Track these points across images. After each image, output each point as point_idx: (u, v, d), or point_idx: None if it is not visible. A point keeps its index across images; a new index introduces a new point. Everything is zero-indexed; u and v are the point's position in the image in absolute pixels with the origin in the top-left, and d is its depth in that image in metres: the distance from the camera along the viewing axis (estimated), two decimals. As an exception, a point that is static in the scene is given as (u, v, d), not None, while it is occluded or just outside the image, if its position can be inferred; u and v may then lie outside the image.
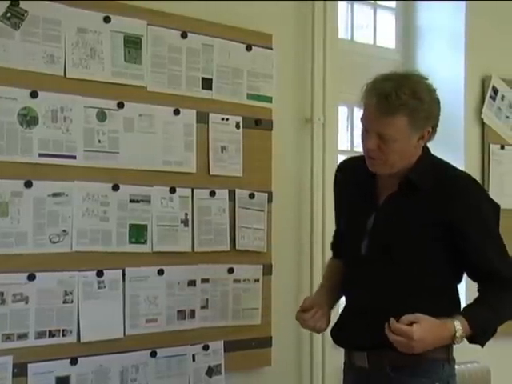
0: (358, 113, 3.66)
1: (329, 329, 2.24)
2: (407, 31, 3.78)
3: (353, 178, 2.22)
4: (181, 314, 2.59)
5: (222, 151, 2.72)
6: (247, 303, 2.75)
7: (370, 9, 3.72)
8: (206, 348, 2.64)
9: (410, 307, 1.95)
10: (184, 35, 2.63)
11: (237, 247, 2.74)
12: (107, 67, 2.45)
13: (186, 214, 2.62)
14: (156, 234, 2.54)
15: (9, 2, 2.24)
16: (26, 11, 2.28)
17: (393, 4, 3.79)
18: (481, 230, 2.06)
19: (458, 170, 2.17)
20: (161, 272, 2.54)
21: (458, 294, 2.16)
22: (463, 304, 2.17)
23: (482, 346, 2.08)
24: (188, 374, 2.61)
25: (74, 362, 2.33)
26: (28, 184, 2.27)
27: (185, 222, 2.61)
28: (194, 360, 2.62)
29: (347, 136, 3.57)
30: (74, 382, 2.34)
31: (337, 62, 3.15)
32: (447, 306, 2.07)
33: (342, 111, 3.46)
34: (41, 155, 2.30)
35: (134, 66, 2.51)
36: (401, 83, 2.00)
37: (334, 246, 2.42)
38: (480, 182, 3.60)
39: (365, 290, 2.12)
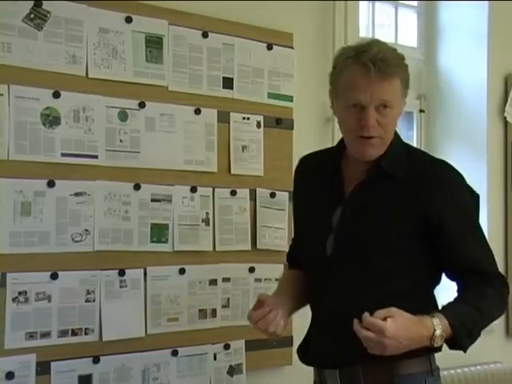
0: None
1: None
2: (429, 30, 3.75)
3: (313, 174, 2.01)
4: (202, 313, 2.60)
5: (242, 150, 2.72)
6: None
7: (391, 7, 3.70)
8: (227, 347, 2.64)
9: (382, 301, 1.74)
10: (205, 35, 2.63)
11: (258, 246, 2.73)
12: (129, 67, 2.46)
13: (207, 213, 2.62)
14: (177, 233, 2.54)
15: (32, 3, 2.26)
16: (48, 12, 2.29)
17: (415, 3, 3.77)
18: (462, 221, 1.86)
19: (436, 157, 1.98)
20: (182, 271, 2.55)
21: (435, 298, 1.93)
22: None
23: (465, 351, 1.80)
24: (209, 373, 2.61)
25: (96, 360, 2.35)
26: (50, 183, 2.29)
27: (206, 222, 2.61)
28: (215, 359, 2.62)
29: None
30: (97, 381, 2.36)
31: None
32: (426, 311, 1.78)
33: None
34: (63, 155, 2.32)
35: (155, 66, 2.52)
36: (385, 47, 1.85)
37: (290, 255, 2.19)
38: (503, 180, 3.60)
39: (332, 297, 1.88)
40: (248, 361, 2.69)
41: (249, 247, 2.72)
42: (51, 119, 2.30)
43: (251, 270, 2.71)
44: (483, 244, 1.90)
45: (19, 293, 2.22)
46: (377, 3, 3.59)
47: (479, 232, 1.91)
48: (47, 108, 2.29)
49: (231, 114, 2.68)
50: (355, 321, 1.69)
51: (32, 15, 2.27)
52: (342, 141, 1.98)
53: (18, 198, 2.23)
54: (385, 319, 1.68)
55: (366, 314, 1.68)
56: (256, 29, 2.76)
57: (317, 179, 1.99)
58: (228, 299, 2.66)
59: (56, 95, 2.30)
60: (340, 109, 1.88)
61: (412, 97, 3.71)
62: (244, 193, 2.71)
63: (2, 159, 2.20)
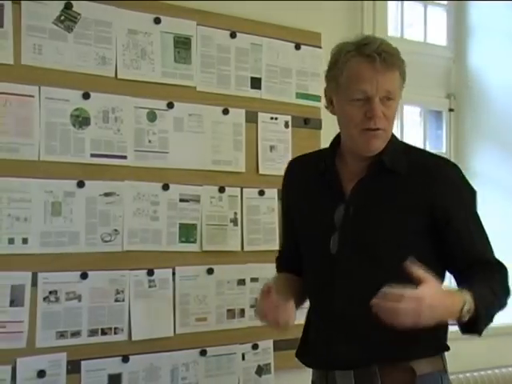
0: (409, 110, 3.65)
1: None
2: (459, 28, 3.72)
3: (307, 175, 1.98)
4: (230, 313, 2.60)
5: (270, 150, 2.72)
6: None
7: (420, 6, 3.68)
8: (255, 347, 2.64)
9: None
10: (233, 35, 2.64)
11: (286, 246, 2.73)
12: (157, 68, 2.47)
13: (235, 213, 2.62)
14: (205, 233, 2.55)
15: (63, 5, 2.28)
16: (78, 14, 2.32)
17: (444, 2, 3.75)
18: (466, 216, 1.87)
19: (435, 154, 1.99)
20: (210, 271, 2.55)
21: None
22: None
23: (480, 334, 1.77)
24: (237, 373, 2.61)
25: (125, 359, 2.36)
26: (80, 184, 2.30)
27: (234, 222, 2.61)
28: (243, 359, 2.62)
29: (397, 134, 3.52)
30: (126, 380, 2.37)
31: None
32: None
33: (392, 109, 3.43)
34: (92, 155, 2.34)
35: (183, 67, 2.53)
36: (384, 40, 1.89)
37: (280, 259, 2.14)
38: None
39: (340, 296, 1.84)
40: (276, 361, 2.68)
41: (277, 247, 2.70)
42: (81, 120, 2.32)
43: (279, 270, 2.71)
44: (485, 236, 1.91)
45: (50, 292, 2.24)
46: (405, 2, 3.57)
47: (480, 225, 1.92)
48: (77, 109, 2.31)
49: (259, 114, 2.69)
50: (379, 296, 1.62)
51: (62, 17, 2.29)
52: (334, 140, 1.98)
53: (49, 198, 2.25)
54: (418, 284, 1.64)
55: (394, 289, 1.62)
56: (284, 29, 2.76)
57: (311, 179, 1.97)
58: (256, 299, 2.64)
59: (86, 96, 2.32)
60: (342, 104, 1.85)
61: (441, 96, 3.69)
62: (272, 193, 2.71)
63: (33, 160, 2.23)
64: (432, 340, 1.81)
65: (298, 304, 1.96)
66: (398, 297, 1.60)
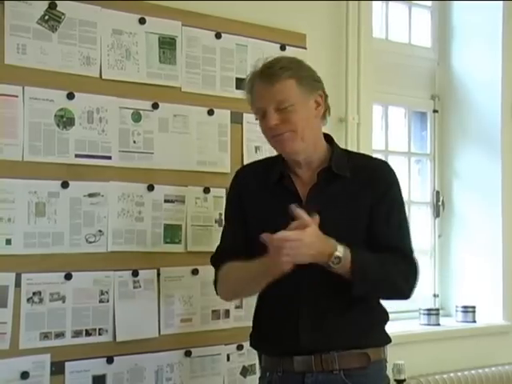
0: (393, 112, 3.67)
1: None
2: (443, 30, 3.75)
3: (258, 183, 2.11)
4: (215, 314, 2.60)
5: (255, 151, 2.72)
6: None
7: (405, 7, 3.69)
8: (240, 348, 2.64)
9: (353, 299, 1.94)
10: (218, 36, 2.64)
11: (271, 247, 2.73)
12: (142, 68, 2.47)
13: (220, 214, 2.61)
14: (190, 233, 2.55)
15: (47, 5, 2.27)
16: (63, 14, 2.31)
17: (428, 3, 3.76)
18: (390, 208, 2.05)
19: (374, 158, 2.25)
20: (195, 272, 2.55)
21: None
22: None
23: (356, 294, 1.92)
24: (222, 374, 2.62)
25: (110, 360, 2.36)
26: (64, 184, 2.30)
27: (219, 222, 2.61)
28: (228, 360, 2.63)
29: (382, 135, 3.55)
30: (111, 381, 2.36)
31: (371, 61, 3.13)
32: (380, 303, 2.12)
33: (377, 110, 3.44)
34: (77, 156, 2.33)
35: (168, 67, 2.53)
36: (279, 57, 2.07)
37: (222, 254, 2.14)
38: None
39: (307, 297, 1.99)
40: (261, 361, 2.69)
41: (262, 248, 2.72)
42: (65, 120, 2.31)
43: (264, 270, 2.71)
44: (405, 232, 2.08)
45: (33, 293, 2.23)
46: (390, 3, 3.58)
47: (405, 222, 2.10)
48: (61, 109, 2.30)
49: (244, 114, 2.68)
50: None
51: (46, 17, 2.28)
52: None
53: (32, 198, 2.24)
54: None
55: (294, 208, 1.86)
56: (269, 29, 2.76)
57: (263, 187, 2.09)
58: (241, 300, 2.66)
59: (70, 96, 2.31)
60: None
61: (426, 97, 3.71)
62: (257, 193, 2.71)
63: (17, 160, 2.22)
64: (381, 333, 2.08)
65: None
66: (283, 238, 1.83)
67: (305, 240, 1.84)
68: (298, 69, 2.02)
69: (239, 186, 2.17)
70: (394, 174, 2.12)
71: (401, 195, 2.11)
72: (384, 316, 2.12)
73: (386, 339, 2.10)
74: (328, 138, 2.13)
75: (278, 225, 1.90)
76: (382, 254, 1.98)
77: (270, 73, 1.98)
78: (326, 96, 2.07)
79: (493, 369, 3.36)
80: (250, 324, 2.62)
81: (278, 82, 1.97)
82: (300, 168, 2.06)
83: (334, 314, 1.99)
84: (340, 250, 1.89)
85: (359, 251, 1.94)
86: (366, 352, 2.01)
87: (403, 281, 2.01)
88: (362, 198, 2.03)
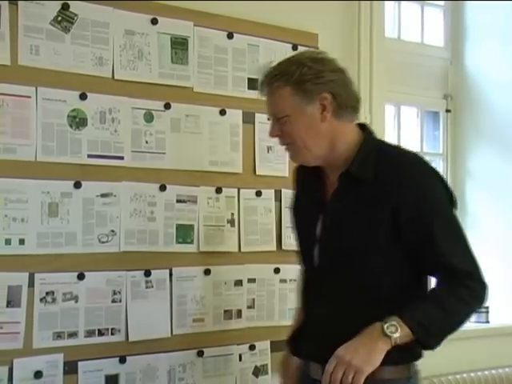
0: (406, 111, 3.66)
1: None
2: (456, 29, 3.73)
3: (304, 183, 2.04)
4: (227, 314, 2.60)
5: (268, 151, 2.72)
6: (294, 303, 2.73)
7: (417, 7, 3.68)
8: (252, 348, 2.64)
9: (367, 316, 1.77)
10: (230, 36, 2.64)
11: (283, 247, 2.73)
12: (154, 68, 2.47)
13: (233, 213, 2.62)
14: (202, 233, 2.55)
15: (60, 6, 2.28)
16: (76, 15, 2.31)
17: (441, 2, 3.75)
18: (428, 217, 1.80)
19: (406, 153, 1.91)
20: (207, 272, 2.55)
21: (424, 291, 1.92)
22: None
23: (432, 348, 1.79)
24: (235, 374, 2.61)
25: (122, 360, 2.36)
26: (77, 185, 2.30)
27: (231, 222, 2.61)
28: (240, 360, 2.62)
29: (394, 135, 3.54)
30: (123, 381, 2.37)
31: (383, 60, 3.12)
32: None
33: (389, 110, 3.43)
34: (89, 156, 2.33)
35: (180, 67, 2.53)
36: (279, 62, 1.92)
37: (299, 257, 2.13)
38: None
39: (322, 304, 1.91)
40: (273, 362, 2.68)
41: (274, 248, 2.72)
42: (78, 121, 2.32)
43: (276, 270, 2.71)
44: (455, 241, 1.83)
45: (47, 293, 2.24)
46: (403, 3, 3.57)
47: (451, 228, 1.84)
48: (74, 110, 2.31)
49: (256, 114, 2.68)
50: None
51: (59, 18, 2.29)
52: None
53: (45, 198, 2.25)
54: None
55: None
56: (281, 29, 2.76)
57: (305, 189, 2.04)
58: (253, 300, 2.66)
59: (83, 97, 2.32)
60: None
61: (438, 96, 3.69)
62: (269, 193, 2.71)
63: (30, 160, 2.23)
64: (398, 350, 1.76)
65: None
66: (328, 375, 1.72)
67: (343, 357, 1.72)
68: (295, 70, 1.85)
69: (293, 185, 2.11)
70: (424, 173, 1.85)
71: (439, 195, 1.84)
72: None
73: (407, 356, 1.85)
74: (364, 128, 1.95)
75: (304, 233, 1.94)
76: (432, 291, 1.82)
77: (264, 82, 1.90)
78: (339, 97, 1.86)
79: (506, 369, 3.34)
80: (262, 324, 2.63)
81: (272, 94, 1.89)
82: (327, 171, 1.94)
83: (345, 322, 1.82)
84: (387, 324, 1.72)
85: (408, 308, 1.75)
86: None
87: (467, 307, 1.81)
88: (382, 203, 1.81)
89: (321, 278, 1.92)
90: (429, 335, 1.76)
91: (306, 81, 1.84)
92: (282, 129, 1.90)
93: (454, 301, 1.79)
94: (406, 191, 1.80)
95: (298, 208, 2.08)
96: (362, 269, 1.85)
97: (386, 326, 1.72)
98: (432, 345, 1.79)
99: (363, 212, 1.84)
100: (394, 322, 1.73)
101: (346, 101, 1.88)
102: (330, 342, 1.79)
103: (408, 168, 1.84)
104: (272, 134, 1.94)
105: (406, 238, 1.81)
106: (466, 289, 1.79)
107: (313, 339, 1.93)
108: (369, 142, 1.91)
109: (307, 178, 2.01)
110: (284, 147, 1.96)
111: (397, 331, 1.72)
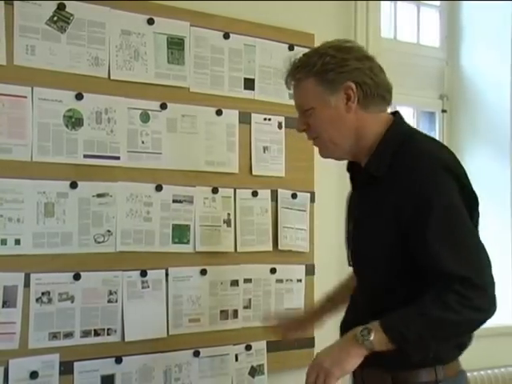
0: (402, 111, 3.65)
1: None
2: (452, 29, 3.73)
3: (350, 178, 1.96)
4: (223, 314, 2.60)
5: (264, 151, 2.72)
6: (290, 303, 2.75)
7: (413, 7, 3.68)
8: (248, 348, 2.64)
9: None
10: (226, 36, 2.64)
11: (279, 247, 2.73)
12: (150, 68, 2.47)
13: (229, 214, 2.62)
14: (199, 234, 2.55)
15: (56, 6, 2.28)
16: (71, 15, 2.31)
17: (437, 2, 3.76)
18: (425, 221, 1.66)
19: (421, 149, 1.75)
20: (204, 272, 2.55)
21: None
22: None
23: (416, 358, 1.67)
24: (231, 374, 2.61)
25: (118, 360, 2.36)
26: (73, 185, 2.30)
27: (227, 222, 2.61)
28: (236, 360, 2.63)
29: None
30: (119, 381, 2.37)
31: (379, 60, 3.12)
32: None
33: (385, 111, 3.43)
34: (85, 156, 2.33)
35: (176, 67, 2.53)
36: (303, 53, 1.86)
37: None
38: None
39: (353, 303, 1.93)
40: (269, 362, 2.69)
41: (270, 248, 2.72)
42: (74, 121, 2.32)
43: (272, 270, 2.71)
44: (451, 243, 1.66)
45: (42, 293, 2.23)
46: (399, 3, 3.58)
47: (448, 230, 1.67)
48: (70, 110, 2.31)
49: (252, 114, 2.69)
50: None
51: (55, 18, 2.29)
52: None
53: (41, 199, 2.25)
54: None
55: None
56: (277, 29, 2.76)
57: (352, 183, 1.98)
58: (249, 300, 2.66)
59: (79, 97, 2.32)
60: None
61: (434, 97, 3.70)
62: (265, 194, 2.71)
63: (26, 160, 2.22)
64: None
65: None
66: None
67: (317, 359, 1.72)
68: (317, 60, 1.78)
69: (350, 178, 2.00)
70: (431, 172, 1.70)
71: (437, 199, 1.67)
72: None
73: (428, 360, 1.72)
74: (395, 118, 1.84)
75: (345, 232, 1.91)
76: (421, 297, 1.65)
77: (289, 75, 1.85)
78: (364, 86, 1.78)
79: (502, 370, 3.34)
80: (259, 324, 2.63)
81: (296, 86, 1.84)
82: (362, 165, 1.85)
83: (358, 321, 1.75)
84: (359, 328, 1.67)
85: (390, 315, 1.66)
86: (390, 373, 1.76)
87: (453, 314, 1.62)
88: (390, 202, 1.72)
89: (355, 276, 1.93)
90: (406, 342, 1.63)
91: (329, 70, 1.78)
92: (307, 122, 1.83)
93: (440, 308, 1.63)
94: (408, 194, 1.69)
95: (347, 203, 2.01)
96: (373, 270, 1.79)
97: (360, 330, 1.67)
98: (412, 353, 1.65)
99: (375, 214, 1.77)
100: (369, 326, 1.66)
101: (373, 89, 1.79)
102: None
103: (415, 165, 1.71)
104: (298, 129, 1.88)
105: (407, 239, 1.71)
106: (456, 295, 1.62)
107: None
108: (392, 134, 1.80)
109: (352, 173, 1.94)
110: (312, 142, 1.89)
111: (369, 335, 1.65)
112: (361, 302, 1.88)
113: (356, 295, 1.94)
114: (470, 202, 1.75)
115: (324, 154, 1.89)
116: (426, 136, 1.86)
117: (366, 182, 1.81)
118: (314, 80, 1.79)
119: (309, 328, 2.35)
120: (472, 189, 1.78)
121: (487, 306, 1.66)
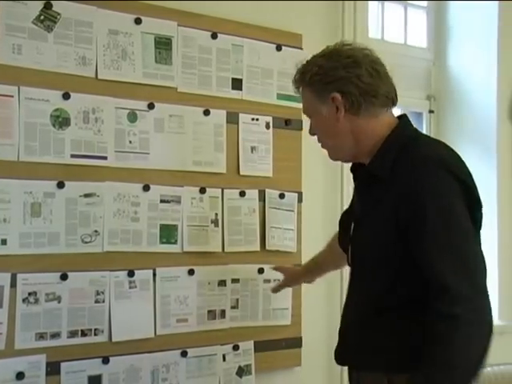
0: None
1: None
2: (439, 30, 3.74)
3: (353, 179, 1.97)
4: (211, 314, 2.60)
5: (251, 151, 2.72)
6: (277, 303, 2.75)
7: (400, 7, 3.69)
8: (236, 348, 2.64)
9: (384, 321, 1.73)
10: (214, 36, 2.64)
11: (267, 247, 2.74)
12: (138, 68, 2.47)
13: (216, 214, 2.62)
14: (186, 234, 2.55)
15: (42, 5, 2.27)
16: (58, 14, 2.30)
17: (424, 3, 3.77)
18: (420, 229, 1.65)
19: (424, 151, 1.74)
20: (191, 272, 2.55)
21: None
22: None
23: None
24: (218, 374, 2.61)
25: (105, 361, 2.35)
26: (60, 185, 2.29)
27: (215, 222, 2.61)
28: (224, 360, 2.62)
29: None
30: (106, 381, 2.36)
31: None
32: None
33: (373, 111, 3.44)
34: (73, 156, 2.32)
35: (164, 67, 2.52)
36: (307, 59, 1.90)
37: None
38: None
39: (346, 304, 1.93)
40: (257, 362, 2.69)
41: (258, 248, 2.72)
42: (61, 120, 2.31)
43: (260, 270, 2.71)
44: (446, 255, 1.64)
45: (29, 293, 2.23)
46: (386, 3, 3.59)
47: (442, 234, 1.65)
48: (57, 109, 2.30)
49: (240, 114, 2.69)
50: None
51: (42, 17, 2.28)
52: None
53: (28, 199, 2.24)
54: None
55: None
56: (265, 30, 2.76)
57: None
58: (237, 300, 2.66)
59: (66, 96, 2.31)
60: None
61: (422, 97, 3.71)
62: (253, 194, 2.71)
63: (12, 160, 2.21)
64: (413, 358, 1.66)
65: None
66: None
67: None
68: (308, 70, 1.82)
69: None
70: (431, 177, 1.67)
71: (434, 205, 1.65)
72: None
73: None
74: (400, 121, 1.85)
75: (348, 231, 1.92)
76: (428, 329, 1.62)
77: (292, 80, 1.90)
78: (350, 96, 1.78)
79: (488, 369, 3.36)
80: (246, 324, 2.64)
81: (302, 92, 1.89)
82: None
83: (357, 331, 1.81)
84: None
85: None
86: (386, 375, 1.74)
87: (450, 347, 1.61)
88: (390, 207, 1.71)
89: (350, 279, 1.92)
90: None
91: (316, 82, 1.82)
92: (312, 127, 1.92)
93: (438, 352, 1.59)
94: (406, 198, 1.68)
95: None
96: (369, 271, 1.80)
97: None
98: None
99: (374, 216, 1.77)
100: None
101: (359, 98, 1.78)
102: (346, 344, 1.86)
103: (414, 166, 1.70)
104: (310, 133, 1.94)
105: (407, 239, 1.69)
106: (439, 317, 1.60)
107: (338, 342, 1.91)
108: (396, 136, 1.80)
109: (355, 174, 1.96)
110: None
111: None
112: (361, 303, 1.85)
113: (352, 298, 1.91)
114: (473, 203, 1.74)
115: (330, 157, 1.94)
116: (430, 138, 1.91)
117: (366, 181, 1.83)
118: (308, 90, 1.86)
119: (297, 282, 2.63)
120: (476, 190, 1.77)
121: (479, 317, 1.69)
